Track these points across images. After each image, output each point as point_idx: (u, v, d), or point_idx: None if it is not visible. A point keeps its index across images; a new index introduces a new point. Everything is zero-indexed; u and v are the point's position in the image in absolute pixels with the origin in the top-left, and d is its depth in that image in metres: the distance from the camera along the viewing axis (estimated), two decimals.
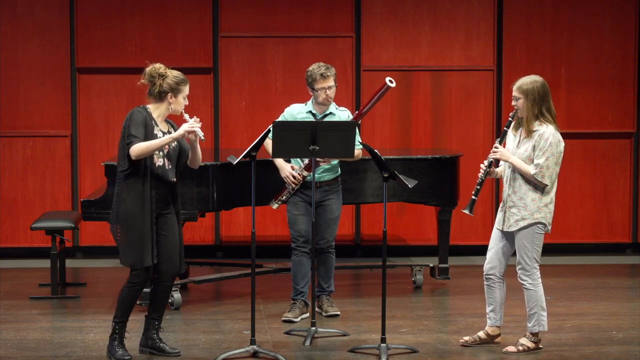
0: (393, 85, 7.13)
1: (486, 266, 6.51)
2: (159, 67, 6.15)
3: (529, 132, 6.27)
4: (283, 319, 7.28)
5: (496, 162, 6.51)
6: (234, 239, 10.05)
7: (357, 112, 7.36)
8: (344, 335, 6.85)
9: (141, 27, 9.88)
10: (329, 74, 7.13)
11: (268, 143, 6.91)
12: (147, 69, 6.16)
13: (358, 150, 7.16)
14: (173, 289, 7.50)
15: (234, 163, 6.48)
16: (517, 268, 6.39)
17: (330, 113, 7.25)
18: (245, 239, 9.87)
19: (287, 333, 6.93)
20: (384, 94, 7.17)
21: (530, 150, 6.26)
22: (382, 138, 10.08)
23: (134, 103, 6.55)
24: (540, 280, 6.39)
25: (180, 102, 6.15)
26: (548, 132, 6.23)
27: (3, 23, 9.80)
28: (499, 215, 6.45)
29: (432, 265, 8.68)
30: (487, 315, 6.57)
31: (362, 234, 10.18)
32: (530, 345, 6.43)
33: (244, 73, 9.99)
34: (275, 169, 7.28)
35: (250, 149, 6.36)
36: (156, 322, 6.34)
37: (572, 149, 9.89)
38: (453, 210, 8.50)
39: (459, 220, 9.46)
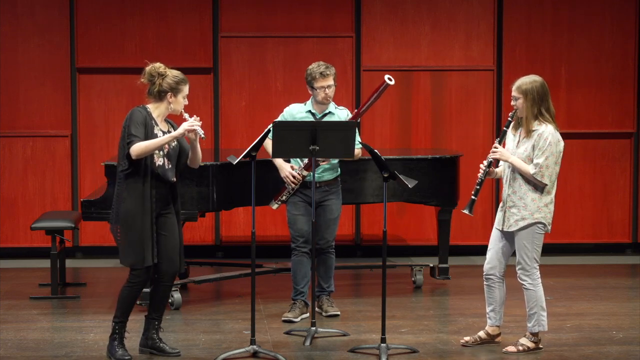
0: (392, 83, 7.13)
1: (486, 266, 6.51)
2: (158, 66, 6.15)
3: (529, 132, 6.27)
4: (283, 319, 7.28)
5: (496, 162, 6.51)
6: (234, 239, 10.05)
7: (356, 110, 7.36)
8: (344, 335, 6.85)
9: (141, 27, 9.88)
10: (328, 72, 7.13)
11: (267, 143, 6.91)
12: (147, 69, 6.16)
13: (357, 149, 7.16)
14: (173, 289, 7.50)
15: (234, 163, 6.48)
16: (516, 268, 6.39)
17: (330, 112, 7.25)
18: (245, 239, 9.87)
19: (287, 333, 6.93)
20: (383, 91, 7.16)
21: (530, 150, 6.26)
22: (382, 138, 10.08)
23: (134, 103, 6.55)
24: (540, 280, 6.39)
25: (179, 101, 6.15)
26: (547, 132, 6.24)
27: (3, 23, 9.80)
28: (499, 215, 6.45)
29: (432, 265, 8.68)
30: (487, 315, 6.57)
31: (362, 234, 10.18)
32: (530, 345, 6.43)
33: (244, 73, 9.99)
34: (275, 169, 7.28)
35: (250, 149, 6.35)
36: (156, 322, 6.34)
37: (572, 149, 9.89)
38: (453, 210, 8.50)
39: (459, 220, 9.45)
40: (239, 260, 9.03)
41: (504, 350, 6.44)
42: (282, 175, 7.25)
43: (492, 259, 6.48)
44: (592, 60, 10.15)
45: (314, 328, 6.71)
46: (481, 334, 6.60)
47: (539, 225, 6.31)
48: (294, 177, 7.21)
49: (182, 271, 6.51)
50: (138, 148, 5.96)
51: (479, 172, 6.42)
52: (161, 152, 6.11)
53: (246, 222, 9.96)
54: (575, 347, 6.60)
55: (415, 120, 10.13)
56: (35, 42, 9.83)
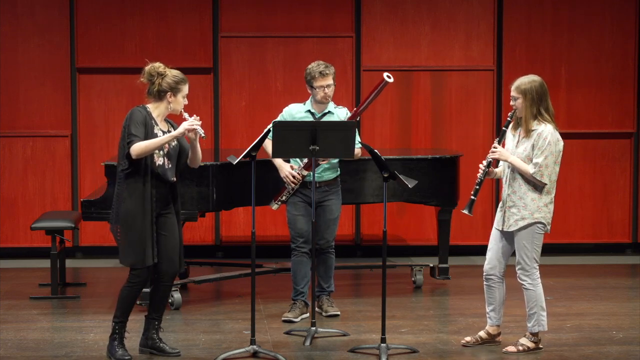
0: (391, 80, 7.13)
1: (486, 267, 6.50)
2: (158, 66, 6.15)
3: (528, 132, 6.27)
4: (283, 319, 7.28)
5: (495, 163, 6.51)
6: (234, 239, 10.05)
7: (355, 108, 7.35)
8: (344, 335, 6.85)
9: (141, 27, 9.88)
10: (327, 72, 7.13)
11: (267, 144, 6.92)
12: (147, 68, 6.16)
13: (357, 149, 7.16)
14: (173, 289, 7.50)
15: (234, 163, 6.48)
16: (516, 268, 6.39)
17: (329, 112, 7.25)
18: (245, 239, 9.87)
19: (287, 333, 6.93)
20: (382, 89, 7.16)
21: (529, 150, 6.26)
22: (382, 138, 10.08)
23: (134, 103, 6.54)
24: (539, 280, 6.39)
25: (179, 101, 6.15)
26: (547, 131, 6.24)
27: (3, 23, 9.80)
28: (498, 215, 6.45)
29: (432, 265, 8.68)
30: (488, 315, 6.56)
31: (362, 234, 10.18)
32: (530, 345, 6.43)
33: (244, 73, 9.99)
34: (275, 169, 7.27)
35: (250, 149, 6.35)
36: (156, 322, 6.34)
37: (572, 149, 9.90)
38: (453, 210, 8.50)
39: (459, 220, 9.45)
40: (239, 260, 9.03)
41: (504, 350, 6.44)
42: (282, 175, 7.25)
43: (492, 259, 6.48)
44: (592, 60, 10.15)
45: (314, 328, 6.71)
46: (482, 334, 6.60)
47: (539, 225, 6.31)
48: (293, 177, 7.21)
49: (182, 271, 6.51)
50: (138, 148, 5.96)
51: (478, 172, 6.43)
52: (161, 152, 6.11)
53: (246, 222, 9.96)
54: (575, 347, 6.60)
55: (415, 120, 10.13)
56: (35, 42, 9.83)
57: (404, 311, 7.65)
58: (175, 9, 9.90)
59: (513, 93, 6.31)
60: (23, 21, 9.82)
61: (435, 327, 7.18)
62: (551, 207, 6.34)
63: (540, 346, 6.46)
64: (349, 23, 10.02)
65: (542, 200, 6.29)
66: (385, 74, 7.13)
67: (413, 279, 8.51)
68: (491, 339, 6.58)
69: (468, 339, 6.61)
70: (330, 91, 7.17)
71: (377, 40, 10.05)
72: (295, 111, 7.26)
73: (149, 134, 6.03)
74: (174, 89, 6.12)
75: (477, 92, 10.13)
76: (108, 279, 8.93)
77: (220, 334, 6.91)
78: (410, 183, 6.39)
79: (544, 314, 6.40)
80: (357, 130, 6.88)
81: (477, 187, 6.39)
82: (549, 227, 6.35)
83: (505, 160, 6.35)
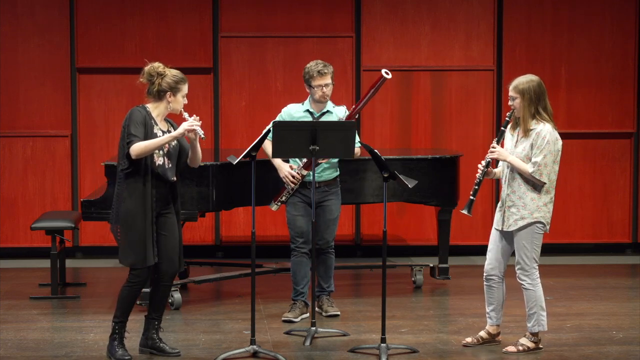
0: (389, 76, 7.13)
1: (486, 267, 6.50)
2: (157, 65, 6.15)
3: (526, 131, 6.27)
4: (283, 319, 7.28)
5: (495, 163, 6.51)
6: (234, 239, 10.05)
7: (354, 106, 7.34)
8: (344, 335, 6.85)
9: (141, 27, 9.88)
10: (326, 71, 7.13)
11: (266, 145, 6.92)
12: (146, 68, 6.16)
13: (357, 148, 7.16)
14: (173, 289, 7.50)
15: (234, 163, 6.48)
16: (516, 268, 6.39)
17: (328, 111, 7.24)
18: (245, 239, 9.87)
19: (287, 333, 6.93)
20: (380, 86, 7.16)
21: (528, 149, 6.26)
22: (382, 138, 10.08)
23: (134, 103, 6.54)
24: (539, 280, 6.39)
25: (179, 101, 6.15)
26: (545, 131, 6.24)
27: (3, 23, 9.80)
28: (498, 215, 6.45)
29: (432, 265, 8.68)
30: (488, 315, 6.56)
31: (362, 234, 10.18)
32: (530, 345, 6.43)
33: (244, 73, 9.99)
34: (275, 169, 7.27)
35: (250, 149, 6.35)
36: (156, 322, 6.34)
37: (572, 149, 9.90)
38: (453, 210, 8.50)
39: (459, 220, 9.45)
40: (239, 260, 9.03)
41: (504, 350, 6.44)
42: (281, 175, 7.25)
43: (492, 259, 6.48)
44: (592, 60, 10.15)
45: (314, 328, 6.71)
46: (482, 334, 6.60)
47: (538, 225, 6.31)
48: (293, 176, 7.21)
49: (181, 271, 6.51)
50: (138, 148, 5.96)
51: (477, 172, 6.43)
52: (161, 152, 6.11)
53: (246, 222, 9.96)
54: (575, 347, 6.60)
55: (415, 120, 10.13)
56: (35, 42, 9.83)
57: (404, 311, 7.65)
58: (175, 9, 9.90)
59: (511, 93, 6.31)
60: (23, 21, 9.82)
61: (435, 327, 7.18)
62: (550, 206, 6.34)
63: (540, 346, 6.46)
64: (349, 23, 10.02)
65: (541, 199, 6.29)
66: (383, 70, 7.13)
67: (413, 279, 8.51)
68: (492, 339, 6.58)
69: (469, 339, 6.61)
70: (328, 90, 7.16)
71: (377, 40, 10.05)
72: (294, 111, 7.26)
73: (148, 134, 6.03)
74: (174, 89, 6.12)
75: (477, 92, 10.13)
76: (108, 279, 8.93)
77: (220, 334, 6.91)
78: (410, 183, 6.39)
79: (544, 314, 6.40)
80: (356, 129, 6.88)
81: (476, 187, 6.39)
82: (548, 227, 6.35)
83: (504, 160, 6.35)
